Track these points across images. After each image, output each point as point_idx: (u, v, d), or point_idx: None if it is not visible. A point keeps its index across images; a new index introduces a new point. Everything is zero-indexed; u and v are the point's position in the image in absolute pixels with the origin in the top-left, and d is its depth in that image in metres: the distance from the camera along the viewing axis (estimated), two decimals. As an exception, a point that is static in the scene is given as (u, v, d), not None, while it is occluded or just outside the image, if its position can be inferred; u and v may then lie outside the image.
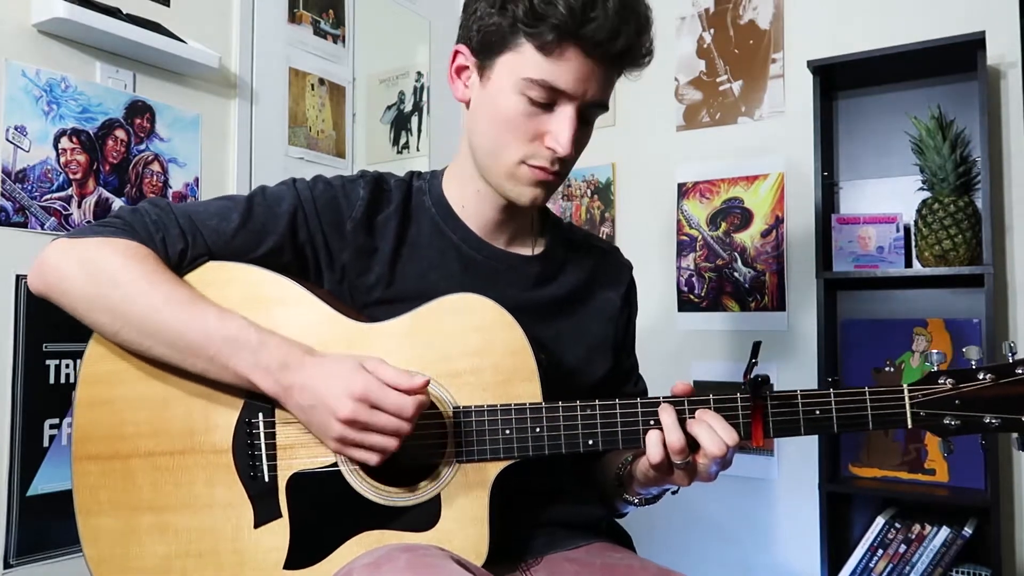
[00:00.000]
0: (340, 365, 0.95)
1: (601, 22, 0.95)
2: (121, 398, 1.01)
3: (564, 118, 1.01)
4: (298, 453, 0.99)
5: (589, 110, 1.04)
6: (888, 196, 2.20)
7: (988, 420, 0.96)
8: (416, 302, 1.02)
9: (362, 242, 1.09)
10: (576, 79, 0.99)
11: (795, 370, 2.31)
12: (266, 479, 0.99)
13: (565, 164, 1.06)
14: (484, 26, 1.02)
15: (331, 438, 0.94)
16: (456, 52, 1.09)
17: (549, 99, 1.01)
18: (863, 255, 2.11)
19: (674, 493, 1.10)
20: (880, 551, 2.00)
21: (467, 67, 1.08)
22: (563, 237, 1.24)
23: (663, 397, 0.99)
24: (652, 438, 0.96)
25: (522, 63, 1.00)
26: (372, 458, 0.94)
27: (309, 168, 2.08)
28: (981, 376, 0.97)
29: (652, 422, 0.98)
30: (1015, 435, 0.97)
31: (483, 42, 1.03)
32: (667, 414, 0.96)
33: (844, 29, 2.28)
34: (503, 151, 1.05)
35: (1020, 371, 0.96)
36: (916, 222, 2.03)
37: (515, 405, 0.98)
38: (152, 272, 0.97)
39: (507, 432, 0.98)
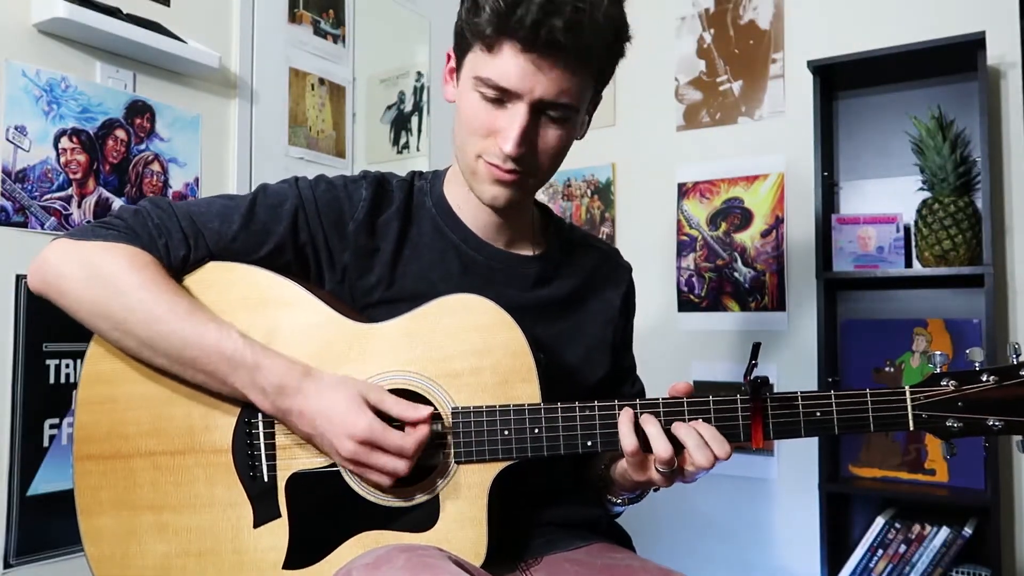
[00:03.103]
0: (340, 396, 0.95)
1: (523, 13, 0.95)
2: (122, 397, 1.02)
3: (513, 116, 1.00)
4: (297, 453, 0.99)
5: (550, 110, 1.02)
6: (888, 196, 2.20)
7: (991, 423, 0.95)
8: (416, 302, 1.03)
9: (364, 243, 1.09)
10: (517, 76, 0.98)
11: (795, 370, 2.30)
12: (265, 479, 1.00)
13: (524, 164, 1.03)
14: (457, 30, 1.05)
15: (336, 461, 0.98)
16: (448, 55, 1.11)
17: (498, 96, 1.01)
18: (863, 255, 2.10)
19: (655, 490, 1.11)
20: (880, 551, 2.00)
21: (454, 68, 1.10)
22: (563, 238, 1.24)
23: (662, 398, 0.99)
24: (624, 428, 0.96)
25: (474, 62, 1.02)
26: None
27: (309, 168, 2.08)
28: (984, 378, 0.96)
29: (618, 406, 0.99)
30: (1018, 437, 0.97)
31: (456, 44, 1.06)
32: (651, 425, 0.96)
33: (844, 29, 2.28)
34: (465, 147, 1.06)
35: None
36: (916, 222, 2.03)
37: (514, 406, 0.98)
38: (154, 281, 0.97)
39: (506, 433, 0.98)
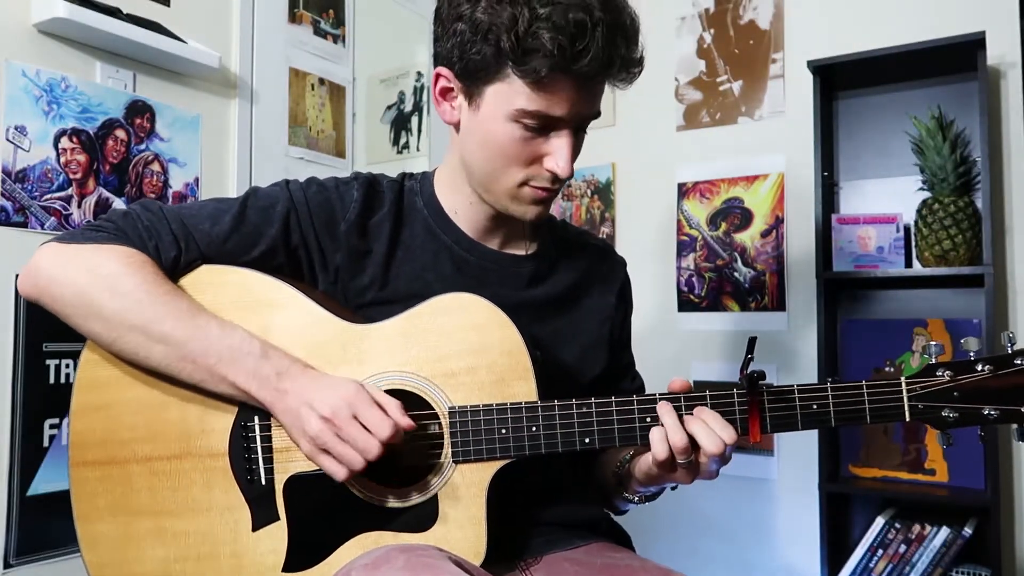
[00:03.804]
0: (339, 379, 0.96)
1: (595, 53, 0.93)
2: (117, 403, 1.01)
3: (562, 142, 1.01)
4: (295, 455, 0.99)
5: (583, 123, 1.04)
6: (888, 196, 2.20)
7: (987, 412, 0.96)
8: (410, 303, 1.02)
9: (356, 244, 1.09)
10: (570, 105, 0.98)
11: (795, 370, 2.30)
12: (263, 482, 0.99)
13: (564, 179, 1.06)
14: (468, 53, 0.98)
15: (306, 436, 0.94)
16: (438, 75, 1.05)
17: (544, 124, 1.00)
18: (863, 255, 2.10)
19: (673, 489, 1.11)
20: (880, 551, 2.00)
21: (452, 90, 1.05)
22: (556, 236, 1.23)
23: (660, 394, 0.99)
24: (656, 435, 0.96)
25: (513, 94, 0.98)
26: (339, 471, 0.93)
27: (309, 168, 2.08)
28: (980, 368, 0.96)
29: (649, 419, 0.98)
30: (1014, 426, 0.97)
31: (468, 70, 1.00)
32: (669, 416, 0.96)
33: (844, 29, 2.28)
34: (502, 176, 1.04)
35: (1019, 361, 0.95)
36: (916, 222, 2.03)
37: (511, 404, 0.98)
38: (151, 281, 0.97)
39: (503, 432, 0.98)
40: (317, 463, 0.95)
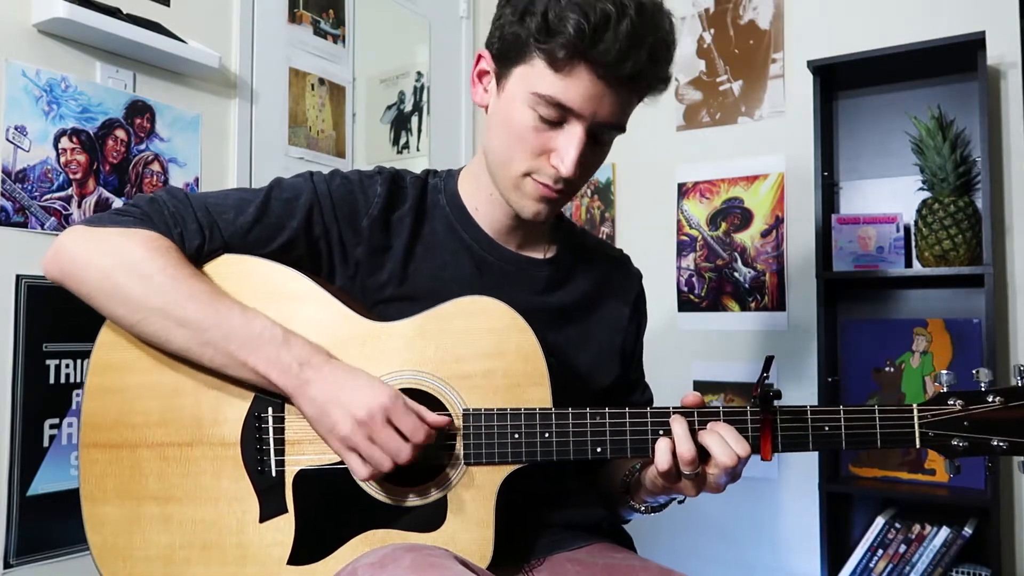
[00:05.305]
0: (367, 376, 0.96)
1: (610, 44, 0.94)
2: (132, 387, 1.01)
3: (571, 138, 1.00)
4: (306, 449, 0.99)
5: (602, 131, 1.03)
6: (888, 196, 2.20)
7: (996, 443, 0.97)
8: (428, 301, 1.02)
9: (377, 239, 1.09)
10: (585, 98, 0.98)
11: (795, 370, 2.31)
12: (273, 474, 0.99)
13: (571, 183, 1.05)
14: (505, 34, 1.01)
15: (337, 436, 0.94)
16: (479, 56, 1.08)
17: (558, 116, 1.00)
18: (863, 255, 2.11)
19: (680, 503, 1.11)
20: (880, 551, 2.00)
21: (488, 72, 1.07)
22: (575, 243, 1.23)
23: (673, 407, 0.99)
24: (661, 446, 0.96)
25: (533, 77, 0.99)
26: (363, 471, 0.94)
27: (309, 168, 2.07)
28: (990, 399, 0.98)
29: (662, 432, 0.98)
30: (1020, 459, 0.98)
31: (502, 50, 1.03)
32: (679, 424, 0.96)
33: (844, 29, 2.28)
34: (510, 161, 1.04)
35: None
36: (916, 222, 2.03)
37: (525, 409, 0.98)
38: (175, 266, 0.97)
39: (516, 436, 0.98)
40: (343, 458, 0.96)
